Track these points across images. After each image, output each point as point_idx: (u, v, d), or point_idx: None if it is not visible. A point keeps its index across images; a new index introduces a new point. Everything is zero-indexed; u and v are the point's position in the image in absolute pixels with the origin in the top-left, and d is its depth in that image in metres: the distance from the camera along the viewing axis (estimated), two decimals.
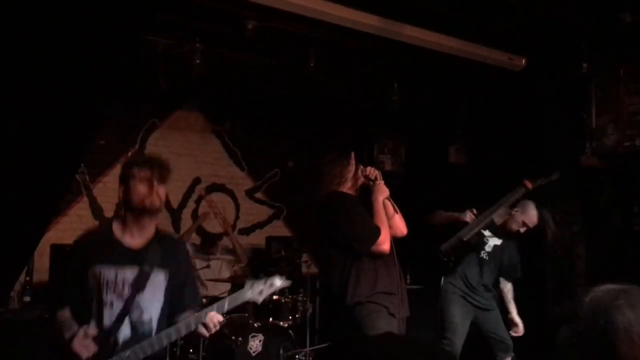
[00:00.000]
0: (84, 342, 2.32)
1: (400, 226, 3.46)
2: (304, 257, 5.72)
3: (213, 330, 2.48)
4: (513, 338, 4.43)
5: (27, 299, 4.68)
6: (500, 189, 4.86)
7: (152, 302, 2.51)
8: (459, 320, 4.26)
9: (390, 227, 3.39)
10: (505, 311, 4.51)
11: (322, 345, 4.83)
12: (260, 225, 6.96)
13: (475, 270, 4.34)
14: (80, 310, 2.46)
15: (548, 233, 4.69)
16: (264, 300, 2.65)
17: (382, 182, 3.41)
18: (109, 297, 2.44)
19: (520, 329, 4.45)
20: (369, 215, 3.29)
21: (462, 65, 4.97)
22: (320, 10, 3.99)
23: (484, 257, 4.36)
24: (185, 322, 2.47)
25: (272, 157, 7.00)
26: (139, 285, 2.47)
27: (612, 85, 4.88)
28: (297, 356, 4.62)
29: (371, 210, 3.31)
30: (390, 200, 3.38)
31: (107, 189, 5.91)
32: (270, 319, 4.79)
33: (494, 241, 4.38)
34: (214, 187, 6.65)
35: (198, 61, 4.58)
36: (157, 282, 2.53)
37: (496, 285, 4.54)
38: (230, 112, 6.66)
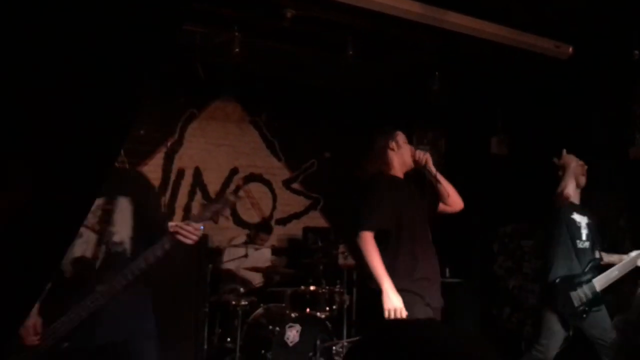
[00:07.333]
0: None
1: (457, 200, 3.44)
2: (341, 248, 5.67)
3: (191, 236, 2.38)
4: None
5: None
6: (544, 181, 4.71)
7: (122, 225, 2.52)
8: (559, 329, 3.94)
9: (447, 204, 3.38)
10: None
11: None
12: (297, 215, 6.94)
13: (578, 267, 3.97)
14: None
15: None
16: None
17: (432, 167, 3.36)
18: None
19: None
20: (389, 204, 3.16)
21: (507, 53, 4.83)
22: None
23: (584, 246, 4.03)
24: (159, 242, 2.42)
25: (309, 148, 6.96)
26: (104, 210, 2.49)
27: None
28: (334, 348, 4.58)
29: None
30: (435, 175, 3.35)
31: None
32: (308, 310, 4.78)
33: (583, 220, 4.04)
34: (251, 177, 6.66)
35: (237, 50, 4.57)
36: (123, 207, 2.54)
37: None
38: (268, 103, 6.65)
